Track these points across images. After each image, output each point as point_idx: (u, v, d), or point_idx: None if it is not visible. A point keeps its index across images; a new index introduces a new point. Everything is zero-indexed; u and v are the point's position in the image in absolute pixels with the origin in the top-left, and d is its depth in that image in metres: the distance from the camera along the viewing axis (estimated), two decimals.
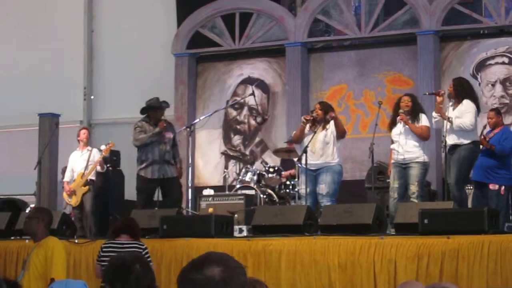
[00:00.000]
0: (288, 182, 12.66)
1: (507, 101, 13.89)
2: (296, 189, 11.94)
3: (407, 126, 10.63)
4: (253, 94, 14.87)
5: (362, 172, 13.76)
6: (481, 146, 10.55)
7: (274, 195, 12.47)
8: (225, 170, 14.51)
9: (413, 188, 10.45)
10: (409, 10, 14.51)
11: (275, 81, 15.65)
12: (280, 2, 15.81)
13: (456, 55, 14.30)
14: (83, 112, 17.56)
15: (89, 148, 12.65)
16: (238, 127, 15.89)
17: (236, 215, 11.03)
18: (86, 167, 12.37)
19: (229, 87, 15.98)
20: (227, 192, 12.40)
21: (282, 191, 12.63)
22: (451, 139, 10.43)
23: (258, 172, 12.75)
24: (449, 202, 9.90)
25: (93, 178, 12.46)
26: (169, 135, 11.77)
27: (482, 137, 10.68)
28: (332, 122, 11.04)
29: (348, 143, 13.62)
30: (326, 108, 11.20)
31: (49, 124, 15.42)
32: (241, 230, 10.42)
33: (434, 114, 10.68)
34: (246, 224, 10.65)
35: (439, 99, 10.74)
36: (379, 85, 14.77)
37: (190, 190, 12.77)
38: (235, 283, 3.06)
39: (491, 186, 10.49)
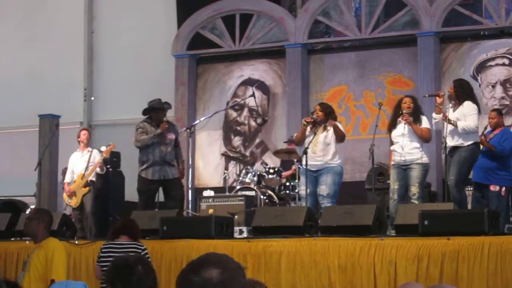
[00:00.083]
0: (288, 183, 12.66)
1: (507, 103, 13.90)
2: (296, 190, 11.94)
3: (408, 128, 10.61)
4: (253, 95, 14.89)
5: (362, 174, 13.77)
6: (481, 147, 10.54)
7: (274, 196, 12.47)
8: (225, 171, 14.51)
9: (414, 189, 10.44)
10: (410, 12, 14.51)
11: (275, 82, 15.65)
12: (280, 3, 15.82)
13: (457, 57, 14.30)
14: (83, 113, 17.57)
15: (89, 149, 12.65)
16: (238, 128, 15.89)
17: (236, 216, 11.03)
18: (87, 168, 12.37)
19: (229, 88, 15.99)
20: (227, 193, 12.40)
21: (282, 192, 12.63)
22: (451, 141, 10.42)
23: (258, 173, 12.75)
24: (449, 204, 9.89)
25: (94, 179, 12.46)
26: (171, 136, 11.76)
27: (483, 137, 10.67)
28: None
29: (348, 145, 13.62)
30: (327, 109, 11.19)
31: (49, 125, 15.43)
32: (241, 231, 10.41)
33: (434, 115, 10.67)
34: (246, 225, 10.65)
35: (439, 100, 10.72)
36: (379, 86, 14.78)
37: (190, 191, 12.77)
38: (234, 285, 3.05)
39: (492, 188, 10.49)
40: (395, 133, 10.71)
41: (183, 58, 16.09)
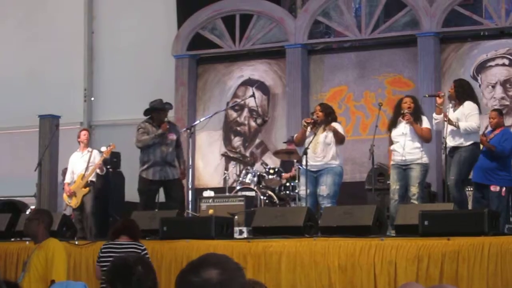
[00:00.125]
0: (288, 184, 12.66)
1: (507, 103, 13.90)
2: (296, 191, 11.94)
3: (409, 127, 10.60)
4: (253, 95, 14.89)
5: (362, 174, 13.76)
6: (481, 147, 10.54)
7: (274, 197, 12.47)
8: (225, 171, 14.50)
9: (414, 189, 10.43)
10: (410, 12, 14.51)
11: (275, 82, 15.65)
12: (280, 4, 15.82)
13: (457, 57, 14.30)
14: (83, 114, 17.57)
15: (89, 149, 12.65)
16: (238, 128, 15.89)
17: (236, 217, 11.04)
18: (87, 169, 12.37)
19: (229, 88, 15.99)
20: (227, 194, 12.40)
21: (282, 193, 12.63)
22: (451, 141, 10.42)
23: (258, 173, 12.76)
24: (449, 204, 9.89)
25: (94, 179, 12.46)
26: (172, 136, 11.75)
27: (484, 137, 10.66)
28: (333, 123, 11.03)
29: (348, 145, 13.61)
30: (327, 109, 11.19)
31: (49, 125, 15.43)
32: (241, 232, 10.41)
33: (434, 115, 10.67)
34: (246, 226, 10.65)
35: (439, 100, 10.72)
36: (379, 87, 14.78)
37: (190, 192, 12.77)
38: (233, 285, 3.05)
39: (492, 188, 10.49)
40: (395, 132, 10.70)
41: (183, 58, 16.09)
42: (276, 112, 15.57)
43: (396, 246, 8.84)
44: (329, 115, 11.10)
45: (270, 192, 12.51)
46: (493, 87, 14.03)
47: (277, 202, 12.44)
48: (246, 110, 15.85)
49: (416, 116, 10.67)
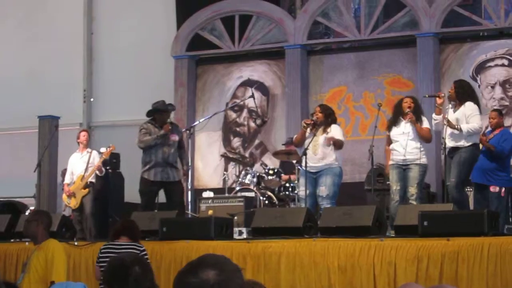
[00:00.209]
0: (287, 184, 12.65)
1: (506, 103, 13.90)
2: (295, 191, 11.94)
3: (410, 127, 10.60)
4: (252, 96, 14.89)
5: (361, 174, 13.76)
6: (480, 146, 10.54)
7: (274, 197, 12.47)
8: (225, 172, 14.50)
9: (412, 190, 10.43)
10: (409, 12, 14.51)
11: (274, 83, 15.66)
12: (279, 5, 15.82)
13: (456, 57, 14.30)
14: (83, 114, 17.57)
15: (89, 150, 12.63)
16: (238, 129, 15.89)
17: (235, 217, 11.03)
18: (86, 169, 12.36)
19: (228, 89, 15.99)
20: (226, 194, 12.40)
21: (281, 193, 12.63)
22: (451, 142, 10.42)
23: (257, 174, 12.75)
24: (449, 204, 9.89)
25: (93, 180, 12.45)
26: (174, 137, 11.75)
27: (484, 136, 10.66)
28: (332, 126, 11.04)
29: (348, 146, 13.60)
30: (327, 110, 11.20)
31: (48, 126, 15.42)
32: (240, 232, 10.41)
33: (434, 116, 10.67)
34: (246, 226, 10.65)
35: (439, 100, 10.72)
36: (379, 87, 14.78)
37: (190, 193, 12.77)
38: (230, 286, 3.05)
39: (492, 188, 10.48)
40: (396, 131, 10.69)
41: (182, 59, 16.09)
42: (275, 112, 15.57)
43: (396, 246, 8.84)
44: (328, 116, 11.11)
45: (269, 193, 12.51)
46: (493, 87, 14.03)
47: (277, 202, 12.44)
48: (245, 110, 15.86)
49: (416, 116, 10.68)
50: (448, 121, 10.37)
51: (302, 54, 15.25)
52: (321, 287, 9.10)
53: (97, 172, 12.42)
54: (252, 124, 15.77)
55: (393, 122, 10.78)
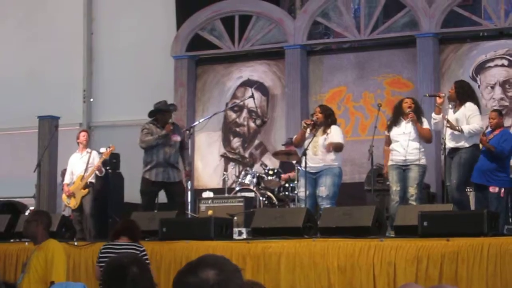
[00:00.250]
0: (287, 185, 12.65)
1: (506, 104, 13.90)
2: (295, 192, 11.94)
3: (411, 127, 10.59)
4: (252, 96, 14.88)
5: (361, 175, 13.76)
6: (480, 146, 10.55)
7: (274, 198, 12.47)
8: (225, 172, 14.49)
9: (412, 190, 10.44)
10: (409, 13, 14.51)
11: (274, 83, 15.65)
12: (279, 5, 15.82)
13: (456, 58, 14.30)
14: (83, 115, 17.57)
15: (89, 150, 12.63)
16: (238, 129, 15.89)
17: (235, 218, 11.03)
18: (86, 170, 12.36)
19: (228, 89, 15.98)
20: (226, 195, 12.39)
21: (281, 194, 12.63)
22: (451, 142, 10.42)
23: (257, 174, 12.75)
24: (449, 205, 9.90)
25: (93, 180, 12.45)
26: (176, 138, 11.74)
27: (484, 137, 10.67)
28: (332, 127, 11.04)
29: (348, 146, 13.59)
30: (327, 111, 11.20)
31: (48, 126, 15.42)
32: (240, 233, 10.41)
33: (433, 115, 10.68)
34: (246, 227, 10.64)
35: (439, 100, 10.73)
36: (379, 88, 14.78)
37: (189, 193, 12.76)
38: (230, 286, 3.06)
39: (491, 189, 10.48)
40: (396, 131, 10.68)
41: (182, 59, 16.09)
42: (275, 113, 15.57)
43: (396, 247, 8.85)
44: (328, 117, 11.11)
45: (269, 193, 12.51)
46: (492, 87, 14.03)
47: (276, 203, 12.44)
48: (245, 111, 15.85)
49: (416, 117, 10.68)
50: (449, 121, 10.37)
51: (302, 54, 15.25)
52: (320, 287, 9.10)
53: (97, 172, 12.42)
54: (252, 125, 15.76)
55: (394, 122, 10.78)
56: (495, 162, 10.53)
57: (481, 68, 14.12)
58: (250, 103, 15.42)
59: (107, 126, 17.19)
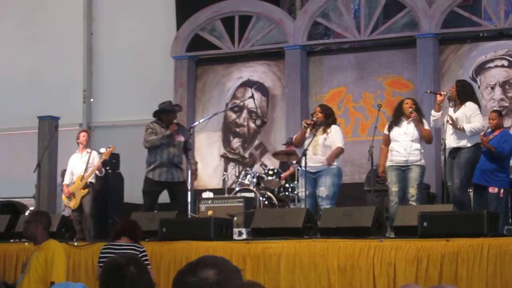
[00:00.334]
0: (287, 185, 12.65)
1: (506, 104, 13.90)
2: (295, 192, 11.94)
3: (412, 128, 10.59)
4: (252, 97, 14.88)
5: (361, 175, 13.76)
6: (481, 146, 10.55)
7: (274, 198, 12.47)
8: (225, 173, 14.49)
9: (412, 191, 10.43)
10: (409, 13, 14.51)
11: (274, 84, 15.66)
12: (279, 5, 15.82)
13: (456, 58, 14.30)
14: (83, 115, 17.57)
15: (89, 150, 12.62)
16: (238, 130, 15.89)
17: (235, 218, 11.03)
18: (86, 170, 12.35)
19: (228, 90, 15.99)
20: (226, 195, 12.39)
21: (281, 194, 12.63)
22: (453, 142, 10.43)
23: (257, 175, 12.75)
24: (449, 205, 9.90)
25: (93, 180, 12.44)
26: (180, 138, 11.73)
27: (485, 137, 10.66)
28: (332, 127, 11.04)
29: (348, 146, 13.57)
30: (327, 111, 11.19)
31: (48, 126, 15.41)
32: (240, 233, 10.40)
33: (433, 112, 10.69)
34: (246, 227, 10.64)
35: (439, 98, 10.74)
36: (379, 88, 14.78)
37: (189, 193, 12.76)
38: (229, 286, 3.06)
39: (491, 189, 10.47)
40: (396, 131, 10.67)
41: (182, 59, 16.09)
42: (275, 113, 15.57)
43: (396, 247, 8.85)
44: (329, 117, 11.10)
45: (269, 193, 12.51)
46: (492, 88, 14.03)
47: (276, 203, 12.44)
48: (245, 111, 15.86)
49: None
50: (451, 118, 10.37)
51: (302, 55, 15.25)
52: None
53: (97, 172, 12.41)
54: (252, 125, 15.77)
55: (394, 122, 10.77)
56: (495, 163, 10.53)
57: (481, 68, 14.13)
58: (250, 103, 15.42)
59: (107, 126, 17.19)
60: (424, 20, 14.28)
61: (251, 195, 12.20)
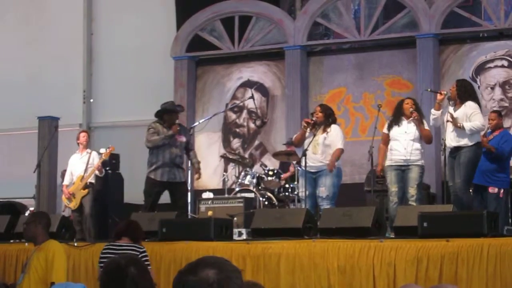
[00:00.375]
0: (287, 185, 12.65)
1: (506, 104, 13.91)
2: (295, 192, 11.94)
3: (413, 127, 10.59)
4: (252, 97, 14.88)
5: (361, 175, 13.76)
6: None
7: (274, 198, 12.46)
8: (225, 173, 14.49)
9: (412, 191, 10.43)
10: (409, 13, 14.52)
11: (274, 84, 15.66)
12: (279, 5, 15.82)
13: (456, 58, 14.31)
14: (83, 115, 17.58)
15: (88, 150, 12.61)
16: (238, 130, 15.89)
17: (235, 218, 11.03)
18: (86, 170, 12.35)
19: (228, 90, 15.99)
20: (226, 195, 12.39)
21: (281, 194, 12.62)
22: (453, 141, 10.43)
23: (257, 175, 12.74)
24: (449, 205, 9.90)
25: (93, 181, 12.43)
26: (182, 138, 11.72)
27: (484, 138, 10.67)
28: (332, 126, 11.04)
29: (348, 147, 13.57)
30: (327, 110, 11.20)
31: (48, 127, 15.41)
32: (240, 233, 10.41)
33: (433, 111, 10.70)
34: (246, 227, 10.64)
35: (440, 97, 10.74)
36: (378, 88, 14.78)
37: (189, 194, 12.76)
38: (230, 286, 3.07)
39: (490, 190, 10.47)
40: (397, 131, 10.66)
41: (182, 60, 16.09)
42: (275, 113, 15.57)
43: (395, 247, 8.85)
44: (329, 116, 11.11)
45: (269, 194, 12.50)
46: (492, 88, 14.03)
47: (276, 203, 12.43)
48: (245, 111, 15.86)
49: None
50: (452, 116, 10.38)
51: (302, 55, 15.25)
52: None
53: (97, 172, 12.40)
54: (252, 125, 15.77)
55: (394, 121, 10.77)
56: (495, 163, 10.53)
57: (481, 69, 14.13)
58: (250, 103, 15.42)
59: (107, 126, 17.19)
60: (424, 20, 14.28)
61: (251, 195, 12.20)
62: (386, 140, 10.78)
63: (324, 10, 15.20)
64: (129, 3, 17.40)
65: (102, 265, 8.01)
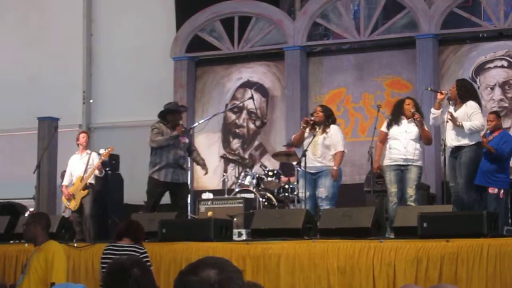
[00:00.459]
0: (287, 186, 12.65)
1: (506, 105, 13.91)
2: (295, 193, 11.94)
3: (413, 127, 10.59)
4: (252, 97, 14.88)
5: (361, 176, 13.76)
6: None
7: (273, 199, 12.46)
8: (224, 173, 14.49)
9: (411, 191, 10.43)
10: (408, 14, 14.52)
11: (274, 84, 15.66)
12: (279, 6, 15.83)
13: (455, 59, 14.31)
14: (82, 116, 17.58)
15: (88, 151, 12.61)
16: (237, 130, 15.89)
17: (235, 219, 11.03)
18: (85, 171, 12.35)
19: (228, 90, 15.99)
20: (226, 196, 12.39)
21: (281, 195, 12.63)
22: (454, 140, 10.42)
23: (257, 175, 12.75)
24: (448, 206, 9.90)
25: (92, 181, 12.43)
26: (184, 140, 11.72)
27: (484, 138, 10.67)
28: (332, 126, 11.04)
29: (347, 147, 13.58)
30: (327, 111, 11.20)
31: (48, 128, 15.40)
32: (240, 234, 10.41)
33: (433, 110, 10.71)
34: (245, 228, 10.64)
35: (440, 96, 10.74)
36: (378, 89, 14.78)
37: (189, 194, 12.77)
38: (230, 286, 3.08)
39: (490, 190, 10.48)
40: (396, 130, 10.65)
41: (182, 60, 16.09)
42: (275, 114, 15.57)
43: (395, 248, 8.85)
44: (329, 117, 11.12)
45: (269, 194, 12.50)
46: (492, 89, 14.04)
47: (276, 204, 12.43)
48: (245, 112, 15.86)
49: None
50: (451, 114, 10.38)
51: (302, 56, 15.26)
52: None
53: (97, 172, 12.40)
54: (252, 126, 15.77)
55: (394, 120, 10.76)
56: (495, 164, 10.53)
57: (480, 69, 14.13)
58: (249, 104, 15.42)
59: (107, 127, 17.19)
60: (423, 20, 14.29)
61: (251, 196, 12.20)
62: (384, 138, 10.78)
63: (324, 10, 15.21)
64: (129, 3, 17.41)
65: (103, 265, 8.02)
